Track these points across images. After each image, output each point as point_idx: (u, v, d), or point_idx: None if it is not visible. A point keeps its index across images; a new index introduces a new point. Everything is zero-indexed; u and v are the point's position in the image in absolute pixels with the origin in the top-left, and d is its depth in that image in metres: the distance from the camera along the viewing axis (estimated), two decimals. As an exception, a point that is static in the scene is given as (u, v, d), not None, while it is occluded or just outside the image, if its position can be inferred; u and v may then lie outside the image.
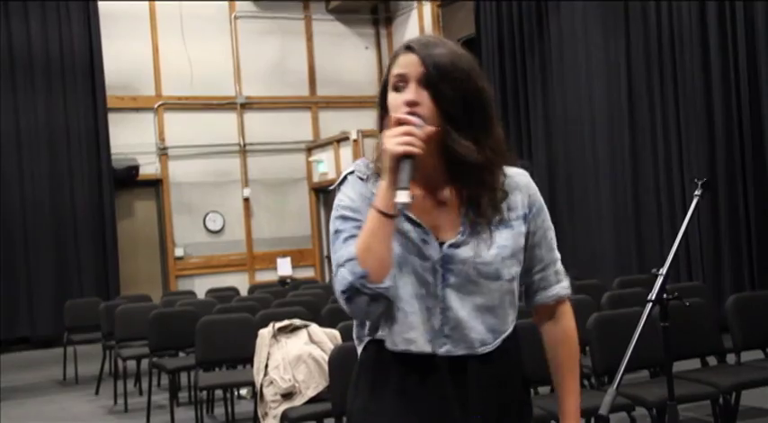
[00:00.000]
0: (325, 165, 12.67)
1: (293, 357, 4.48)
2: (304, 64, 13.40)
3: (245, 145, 12.82)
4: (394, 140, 1.70)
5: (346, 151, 12.04)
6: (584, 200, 9.66)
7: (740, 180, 7.69)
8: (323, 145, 12.81)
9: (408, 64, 1.77)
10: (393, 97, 1.78)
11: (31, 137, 11.18)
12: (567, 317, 1.96)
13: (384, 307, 1.77)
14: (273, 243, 12.81)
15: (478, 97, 1.76)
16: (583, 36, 9.63)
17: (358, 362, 1.90)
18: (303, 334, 4.67)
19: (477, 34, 11.33)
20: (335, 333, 4.67)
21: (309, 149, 13.17)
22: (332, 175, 12.19)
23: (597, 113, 9.44)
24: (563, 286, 1.95)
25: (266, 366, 4.54)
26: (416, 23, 13.04)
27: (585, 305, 5.12)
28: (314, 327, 4.73)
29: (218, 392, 6.19)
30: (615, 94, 9.16)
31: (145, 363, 6.58)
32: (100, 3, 11.70)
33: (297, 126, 13.18)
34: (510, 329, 1.84)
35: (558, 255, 1.96)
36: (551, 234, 1.94)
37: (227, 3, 12.88)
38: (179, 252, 12.32)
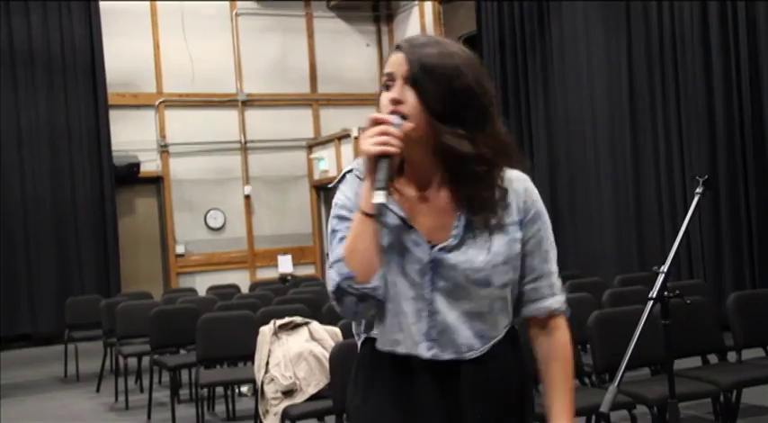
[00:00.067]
0: (326, 162, 12.66)
1: (294, 355, 4.48)
2: (305, 61, 13.39)
3: (246, 142, 12.82)
4: (370, 140, 1.70)
5: (347, 149, 12.04)
6: (586, 199, 9.66)
7: (741, 179, 7.69)
8: (324, 142, 12.81)
9: (395, 63, 1.77)
10: (382, 96, 1.78)
11: (32, 134, 11.18)
12: (561, 332, 1.87)
13: (374, 306, 1.78)
14: (274, 240, 12.81)
15: (469, 94, 1.73)
16: (584, 36, 9.62)
17: (356, 358, 1.91)
18: (304, 331, 4.68)
19: (479, 32, 11.32)
20: (336, 330, 4.67)
21: (310, 147, 13.17)
22: (333, 173, 12.19)
23: (598, 113, 9.43)
24: (557, 300, 1.86)
25: (267, 364, 4.54)
26: (417, 21, 13.03)
27: (586, 303, 5.12)
28: (315, 324, 4.74)
29: (219, 390, 6.20)
30: (616, 94, 9.15)
31: (146, 360, 6.59)
32: (101, 1, 11.69)
33: (298, 123, 13.17)
34: (501, 335, 1.81)
35: (553, 268, 1.88)
36: (547, 246, 1.86)
37: (228, 0, 12.87)
38: (180, 249, 12.32)
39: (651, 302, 2.66)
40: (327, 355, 4.24)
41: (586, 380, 4.52)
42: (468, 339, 1.77)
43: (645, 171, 8.81)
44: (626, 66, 8.98)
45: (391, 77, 1.77)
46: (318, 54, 13.45)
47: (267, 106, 12.99)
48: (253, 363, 4.80)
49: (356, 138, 11.81)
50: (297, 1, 13.36)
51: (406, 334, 1.79)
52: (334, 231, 1.81)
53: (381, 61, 13.62)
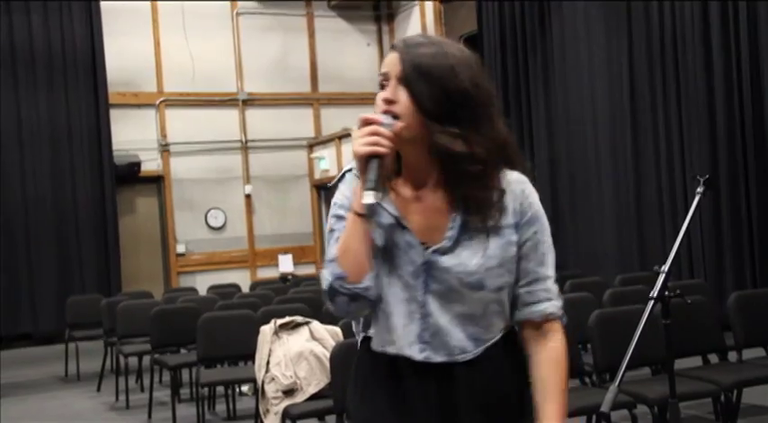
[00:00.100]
0: (326, 161, 12.67)
1: (295, 354, 4.48)
2: (306, 60, 13.39)
3: (246, 141, 12.82)
4: (360, 141, 1.70)
5: (348, 148, 12.04)
6: (587, 199, 9.66)
7: (742, 179, 7.69)
8: (324, 142, 12.81)
9: (390, 63, 1.77)
10: (378, 96, 1.78)
11: (32, 133, 11.18)
12: (556, 338, 1.83)
13: (367, 307, 1.78)
14: (275, 240, 12.81)
15: (463, 94, 1.72)
16: (585, 35, 9.62)
17: (356, 357, 1.92)
18: (305, 331, 4.68)
19: (480, 32, 11.33)
20: (337, 330, 4.67)
21: (311, 146, 13.17)
22: (333, 172, 12.19)
23: (599, 113, 9.43)
24: (553, 304, 1.82)
25: (268, 363, 4.54)
26: (418, 20, 13.03)
27: (587, 302, 5.12)
28: (315, 324, 4.74)
29: (220, 389, 6.20)
30: (617, 94, 9.15)
31: (146, 359, 6.58)
32: (102, 0, 11.69)
33: (298, 123, 13.17)
34: (497, 338, 1.80)
35: (550, 272, 1.83)
36: (544, 249, 1.82)
37: (228, 0, 12.87)
38: (180, 248, 12.33)
39: (652, 302, 2.66)
40: (328, 355, 4.25)
41: (587, 379, 4.52)
42: (460, 342, 1.76)
43: (646, 171, 8.81)
44: (627, 66, 8.97)
45: (386, 77, 1.77)
46: (319, 53, 13.45)
47: (268, 105, 13.00)
48: (253, 362, 4.80)
49: (357, 137, 11.80)
50: (297, 0, 13.36)
51: (398, 335, 1.79)
52: (331, 231, 1.81)
53: (382, 61, 13.60)
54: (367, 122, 1.72)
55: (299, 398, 4.37)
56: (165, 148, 12.32)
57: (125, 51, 11.93)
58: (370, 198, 1.68)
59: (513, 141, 1.81)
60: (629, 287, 5.80)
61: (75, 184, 11.39)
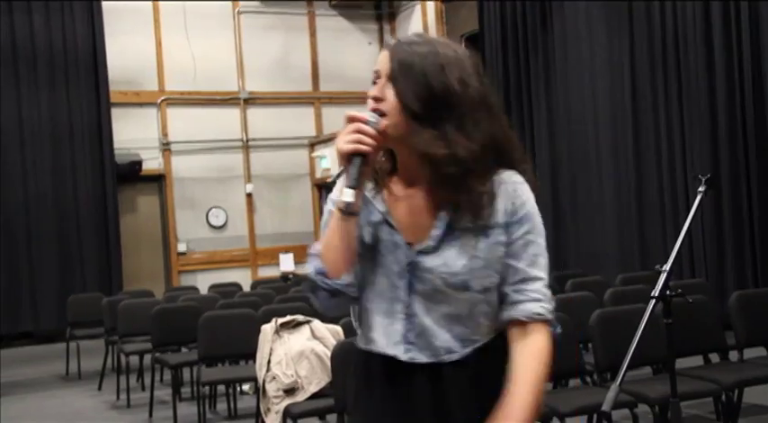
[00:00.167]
0: (327, 160, 12.66)
1: (296, 353, 4.48)
2: (307, 59, 13.39)
3: (248, 140, 12.82)
4: (343, 138, 1.71)
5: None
6: (588, 198, 9.66)
7: (744, 179, 7.69)
8: (326, 141, 12.80)
9: (381, 60, 1.78)
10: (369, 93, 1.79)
11: (34, 131, 11.18)
12: (540, 337, 1.75)
13: (348, 303, 1.81)
14: (276, 239, 12.81)
15: (448, 93, 1.71)
16: (587, 35, 9.61)
17: (354, 353, 1.93)
18: (306, 330, 4.68)
19: (481, 31, 11.33)
20: (338, 329, 4.67)
21: (312, 145, 13.17)
22: (334, 171, 12.08)
23: (601, 113, 9.43)
24: (542, 305, 1.75)
25: (269, 362, 4.55)
26: (420, 19, 13.03)
27: (588, 302, 5.13)
28: (316, 322, 4.74)
29: (221, 388, 6.20)
30: (619, 94, 9.15)
31: (147, 358, 6.59)
32: (103, 0, 11.70)
33: (300, 122, 13.17)
34: (488, 339, 1.78)
35: (541, 275, 1.76)
36: (536, 250, 1.76)
37: (230, -1, 12.89)
38: (182, 247, 12.33)
39: (653, 301, 2.66)
40: (329, 354, 4.25)
41: (588, 379, 4.53)
42: (446, 342, 1.75)
43: (647, 171, 8.81)
44: (628, 65, 8.97)
45: (378, 75, 1.77)
46: (320, 52, 13.44)
47: (269, 104, 13.00)
48: (254, 361, 4.80)
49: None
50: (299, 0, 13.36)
51: (382, 334, 1.79)
52: (325, 226, 1.82)
53: (382, 60, 13.60)
54: (352, 120, 1.72)
55: (300, 397, 4.37)
56: (166, 147, 12.32)
57: (126, 50, 11.93)
58: (348, 196, 1.69)
59: (509, 141, 1.78)
60: (629, 286, 5.79)
61: (77, 183, 11.39)
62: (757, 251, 7.59)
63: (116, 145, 11.70)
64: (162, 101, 12.30)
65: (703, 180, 3.00)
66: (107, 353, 7.56)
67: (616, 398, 2.41)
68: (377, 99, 1.75)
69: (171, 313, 6.26)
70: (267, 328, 4.68)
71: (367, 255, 1.79)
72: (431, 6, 12.87)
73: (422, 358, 1.76)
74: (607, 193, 9.34)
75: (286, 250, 12.12)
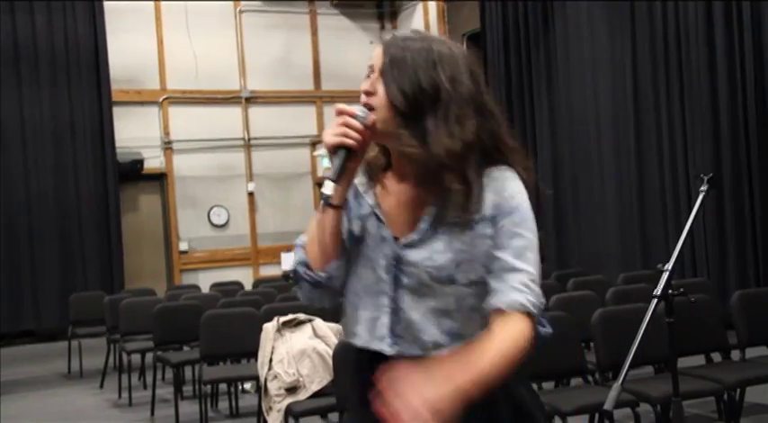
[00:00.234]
0: (329, 159, 12.65)
1: (297, 352, 4.48)
2: (309, 58, 13.39)
3: (249, 139, 12.82)
4: (330, 131, 1.73)
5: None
6: (590, 198, 9.66)
7: (746, 179, 7.69)
8: (327, 140, 12.78)
9: (375, 55, 1.79)
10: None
11: (35, 130, 11.19)
12: (521, 326, 1.67)
13: (330, 295, 1.82)
14: (277, 237, 12.81)
15: (435, 89, 1.70)
16: (588, 35, 9.61)
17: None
18: (307, 328, 4.68)
19: (483, 30, 11.33)
20: (339, 327, 4.67)
21: (314, 144, 13.16)
22: (336, 170, 12.16)
23: (602, 112, 9.43)
24: (526, 297, 1.67)
25: (270, 360, 4.55)
26: (421, 18, 13.03)
27: (590, 301, 5.13)
28: (318, 321, 4.74)
29: (223, 386, 6.21)
30: (620, 94, 9.15)
31: (149, 356, 6.60)
32: (105, 0, 11.70)
33: (301, 120, 13.17)
34: (477, 334, 1.72)
35: (526, 267, 1.69)
36: (524, 243, 1.71)
37: (232, -2, 12.89)
38: (183, 246, 12.33)
39: (655, 300, 2.66)
40: (330, 352, 4.25)
41: (590, 378, 4.53)
42: (433, 337, 1.74)
43: (649, 171, 8.80)
44: (630, 65, 8.97)
45: (372, 69, 1.78)
46: (322, 51, 13.44)
47: (271, 103, 12.99)
48: (256, 359, 4.80)
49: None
50: (301, -2, 13.37)
51: (366, 328, 1.79)
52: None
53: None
54: (340, 113, 1.73)
55: (302, 395, 4.37)
56: (167, 146, 12.32)
57: (128, 49, 11.93)
58: (328, 188, 1.70)
59: (501, 141, 1.76)
60: (631, 285, 5.79)
61: (79, 182, 11.39)
62: (759, 250, 7.59)
63: (118, 144, 11.71)
64: (163, 99, 12.30)
65: (705, 179, 3.00)
66: (109, 351, 7.56)
67: (618, 397, 2.41)
68: (368, 93, 1.76)
69: (173, 312, 6.26)
70: (269, 327, 4.69)
71: (355, 248, 1.80)
72: (432, 5, 12.87)
73: (409, 352, 1.75)
74: (609, 193, 9.34)
75: (287, 249, 12.11)
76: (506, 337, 1.65)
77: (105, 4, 11.67)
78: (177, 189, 12.38)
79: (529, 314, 1.67)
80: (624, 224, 9.12)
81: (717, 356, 4.82)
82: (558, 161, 10.10)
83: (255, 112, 12.90)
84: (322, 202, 1.73)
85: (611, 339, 4.21)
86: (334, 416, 4.70)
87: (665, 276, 2.69)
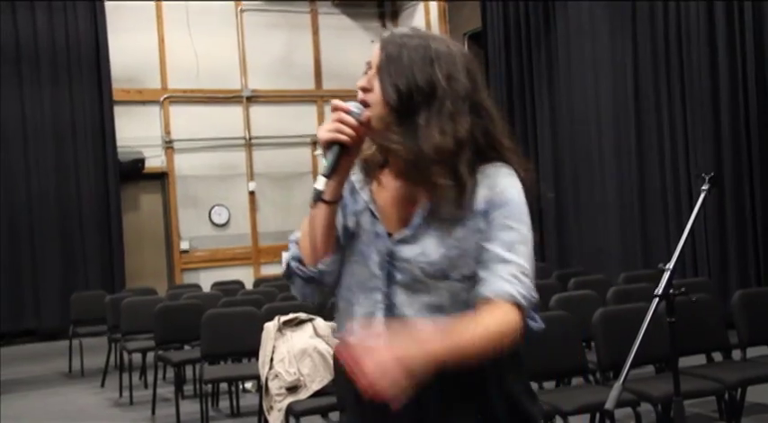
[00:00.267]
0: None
1: (298, 351, 4.49)
2: (310, 58, 13.38)
3: (250, 138, 12.82)
4: (324, 127, 1.73)
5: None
6: (591, 198, 9.66)
7: (747, 179, 7.69)
8: (328, 139, 12.78)
9: (374, 52, 1.79)
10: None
11: (36, 129, 11.19)
12: (508, 314, 1.64)
13: (323, 291, 1.82)
14: (279, 237, 12.80)
15: (431, 88, 1.70)
16: (590, 35, 9.61)
17: None
18: (308, 327, 4.68)
19: (484, 30, 11.33)
20: (340, 327, 4.66)
21: (315, 143, 13.15)
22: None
23: (603, 112, 9.43)
24: (514, 287, 1.65)
25: (271, 360, 4.55)
26: (423, 18, 13.02)
27: (591, 300, 5.13)
28: (319, 320, 4.74)
29: (224, 386, 6.21)
30: (622, 94, 9.14)
31: (150, 356, 6.60)
32: (107, 0, 11.70)
33: (302, 120, 13.17)
34: None
35: (517, 260, 1.67)
36: (513, 236, 1.69)
37: (233, -3, 12.88)
38: (184, 245, 12.33)
39: (656, 300, 2.66)
40: (331, 352, 4.26)
41: (591, 377, 4.53)
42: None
43: (650, 170, 8.80)
44: (631, 65, 8.96)
45: (370, 66, 1.79)
46: (323, 50, 13.44)
47: (272, 102, 12.99)
48: (257, 359, 4.80)
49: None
50: (302, -2, 13.37)
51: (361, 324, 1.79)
52: None
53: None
54: (335, 109, 1.74)
55: (303, 394, 4.38)
56: (168, 145, 12.32)
57: (129, 48, 11.93)
58: (320, 184, 1.70)
59: (495, 140, 1.76)
60: (632, 285, 5.79)
61: (80, 181, 11.40)
62: (760, 250, 7.59)
63: (119, 143, 11.71)
64: (165, 99, 12.30)
65: (707, 179, 3.00)
66: (110, 350, 7.56)
67: (619, 396, 2.41)
68: (365, 90, 1.77)
69: (174, 311, 6.26)
70: (270, 326, 4.69)
71: (350, 244, 1.80)
72: (433, 4, 12.87)
73: None
74: (610, 192, 9.34)
75: (288, 248, 12.11)
76: (492, 322, 1.62)
77: (106, 3, 11.67)
78: (178, 188, 12.38)
79: (518, 305, 1.64)
80: (625, 224, 9.12)
81: (718, 356, 4.82)
82: (558, 161, 10.10)
83: (256, 111, 12.89)
84: (313, 196, 1.72)
85: (611, 339, 4.21)
86: (334, 415, 4.70)
87: (666, 276, 2.69)
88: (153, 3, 12.29)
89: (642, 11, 8.84)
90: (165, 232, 12.46)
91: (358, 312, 1.79)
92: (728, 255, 7.83)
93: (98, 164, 11.50)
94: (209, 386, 6.03)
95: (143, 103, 12.21)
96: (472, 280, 1.72)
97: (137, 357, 7.02)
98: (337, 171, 1.74)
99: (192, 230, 12.41)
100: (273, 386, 4.46)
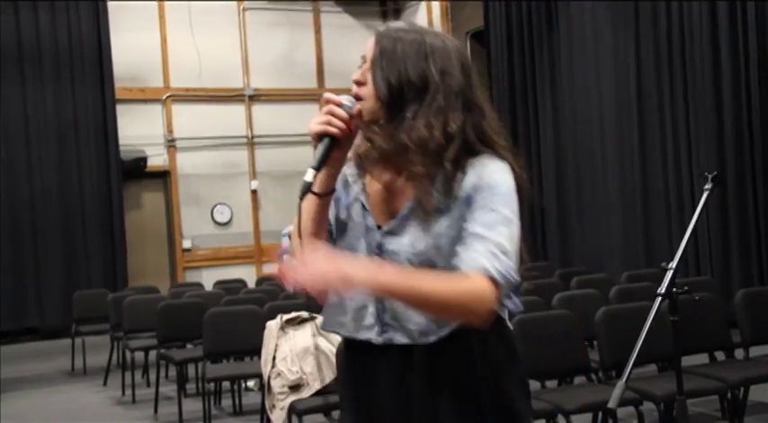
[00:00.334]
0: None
1: (301, 349, 4.48)
2: (312, 56, 13.38)
3: (252, 137, 12.82)
4: (315, 119, 1.74)
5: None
6: (593, 198, 9.65)
7: (749, 178, 7.68)
8: (331, 137, 12.78)
9: (369, 46, 1.80)
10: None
11: (39, 127, 11.20)
12: (482, 284, 1.60)
13: None
14: (281, 235, 12.81)
15: (424, 82, 1.71)
16: (592, 35, 9.60)
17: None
18: (311, 326, 4.68)
19: (486, 29, 11.32)
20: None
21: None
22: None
23: (606, 112, 9.42)
24: (490, 261, 1.62)
25: (274, 358, 4.55)
26: (425, 17, 13.01)
27: (593, 299, 5.12)
28: (321, 319, 4.73)
29: (226, 384, 6.21)
30: (624, 94, 9.13)
31: (153, 354, 6.60)
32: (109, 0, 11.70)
33: (305, 118, 13.02)
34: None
35: (495, 237, 1.64)
36: (494, 217, 1.66)
37: (235, -4, 12.88)
38: (187, 244, 12.33)
39: (659, 299, 2.66)
40: (334, 350, 4.25)
41: (593, 376, 4.52)
42: (419, 325, 1.73)
43: (652, 170, 8.80)
44: (634, 65, 8.95)
45: (364, 60, 1.80)
46: (325, 49, 13.43)
47: (274, 101, 12.99)
48: (259, 357, 4.80)
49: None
50: (304, -4, 13.36)
51: (353, 317, 1.80)
52: None
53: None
54: (327, 102, 1.75)
55: (305, 393, 4.37)
56: (171, 144, 12.32)
57: (132, 47, 11.93)
58: (309, 176, 1.71)
59: (485, 135, 1.75)
60: (635, 284, 5.79)
61: (82, 179, 11.40)
62: (763, 249, 7.59)
63: (121, 141, 11.71)
64: (167, 97, 12.30)
65: (710, 178, 3.00)
66: (112, 349, 7.56)
67: (622, 395, 2.41)
68: (358, 83, 1.78)
69: (176, 309, 6.27)
70: (272, 325, 4.69)
71: (341, 237, 1.82)
72: (436, 3, 12.86)
73: (398, 340, 1.75)
74: (612, 192, 9.33)
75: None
76: (460, 286, 1.61)
77: (109, 2, 11.67)
78: (180, 187, 12.38)
79: (492, 280, 1.61)
80: (628, 223, 9.11)
81: (720, 355, 4.81)
82: (561, 161, 10.09)
83: (259, 109, 12.90)
84: (301, 188, 1.72)
85: (614, 338, 4.21)
86: (337, 414, 4.70)
87: (668, 275, 2.69)
88: (155, 2, 12.29)
89: (645, 11, 8.83)
90: (167, 231, 12.47)
91: (350, 306, 1.80)
92: (731, 254, 7.82)
93: (100, 162, 11.51)
94: (212, 385, 6.03)
95: (145, 101, 12.21)
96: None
97: (139, 356, 7.02)
98: (327, 163, 1.75)
99: (195, 229, 12.41)
100: (276, 385, 4.46)
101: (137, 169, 11.90)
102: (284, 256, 1.59)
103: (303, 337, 4.58)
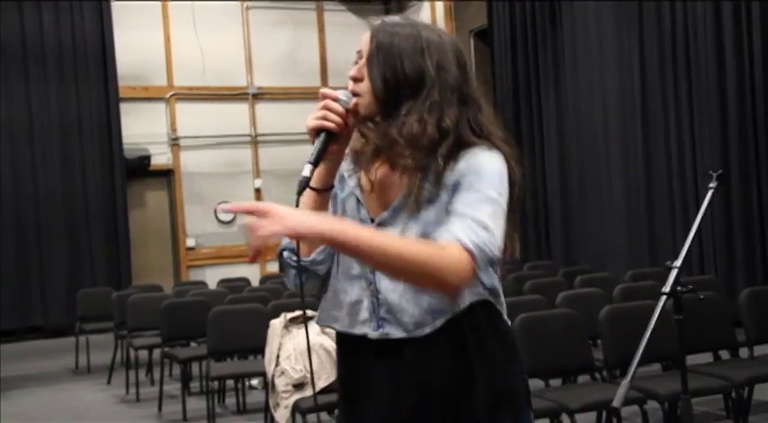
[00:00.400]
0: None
1: (305, 348, 4.48)
2: (316, 55, 13.38)
3: (256, 135, 12.83)
4: (312, 115, 1.75)
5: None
6: (597, 197, 9.65)
7: (754, 177, 7.68)
8: (334, 136, 12.78)
9: (364, 41, 1.82)
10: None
11: (43, 126, 11.21)
12: (450, 254, 1.58)
13: (317, 280, 1.82)
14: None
15: (420, 77, 1.71)
16: (596, 34, 9.59)
17: None
18: (314, 325, 4.67)
19: (490, 28, 11.31)
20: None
21: (320, 140, 13.15)
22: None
23: (610, 112, 9.41)
24: (466, 233, 1.60)
25: (278, 357, 4.55)
26: (429, 16, 12.99)
27: (597, 298, 5.12)
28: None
29: (230, 382, 6.22)
30: (628, 93, 9.13)
31: (157, 352, 6.61)
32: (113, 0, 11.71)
33: (308, 117, 13.12)
34: (460, 310, 1.71)
35: (476, 214, 1.63)
36: (477, 196, 1.65)
37: (239, -6, 12.88)
38: (190, 242, 12.34)
39: (664, 297, 2.65)
40: (338, 349, 4.24)
41: (597, 375, 4.52)
42: (414, 317, 1.73)
43: (656, 170, 8.79)
44: (638, 65, 8.95)
45: (360, 55, 1.81)
46: (329, 48, 13.43)
47: (277, 100, 12.99)
48: (263, 356, 4.81)
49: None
50: (308, -5, 13.36)
51: (348, 312, 1.79)
52: None
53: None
54: (323, 97, 1.76)
55: (309, 391, 4.37)
56: (174, 142, 12.33)
57: (135, 45, 11.94)
58: (306, 171, 1.71)
59: (485, 128, 1.75)
60: (639, 283, 5.79)
61: (86, 178, 11.42)
62: (767, 248, 7.57)
63: (125, 140, 11.73)
64: (171, 96, 12.31)
65: (714, 176, 2.98)
66: (116, 347, 7.58)
67: (626, 394, 2.40)
68: (355, 79, 1.78)
69: (180, 308, 6.28)
70: (276, 323, 4.69)
71: None
72: (439, 2, 12.85)
73: (394, 334, 1.74)
74: (616, 191, 9.32)
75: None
76: (432, 251, 1.58)
77: (113, 2, 11.68)
78: (184, 185, 12.39)
79: (467, 251, 1.59)
80: (632, 222, 9.11)
81: (725, 354, 4.81)
82: (565, 160, 10.09)
83: (262, 108, 12.90)
84: (299, 184, 1.71)
85: (618, 336, 4.21)
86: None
87: (673, 273, 2.68)
88: (159, 1, 12.30)
89: (649, 10, 8.82)
90: (171, 229, 12.48)
91: (346, 301, 1.80)
92: (736, 253, 7.81)
93: (104, 161, 11.52)
94: (216, 383, 6.03)
95: (149, 100, 12.22)
96: None
97: (143, 354, 7.03)
98: (325, 158, 1.75)
99: (198, 227, 12.42)
100: (280, 383, 4.46)
101: (140, 168, 11.91)
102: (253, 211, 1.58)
103: (307, 335, 4.58)
